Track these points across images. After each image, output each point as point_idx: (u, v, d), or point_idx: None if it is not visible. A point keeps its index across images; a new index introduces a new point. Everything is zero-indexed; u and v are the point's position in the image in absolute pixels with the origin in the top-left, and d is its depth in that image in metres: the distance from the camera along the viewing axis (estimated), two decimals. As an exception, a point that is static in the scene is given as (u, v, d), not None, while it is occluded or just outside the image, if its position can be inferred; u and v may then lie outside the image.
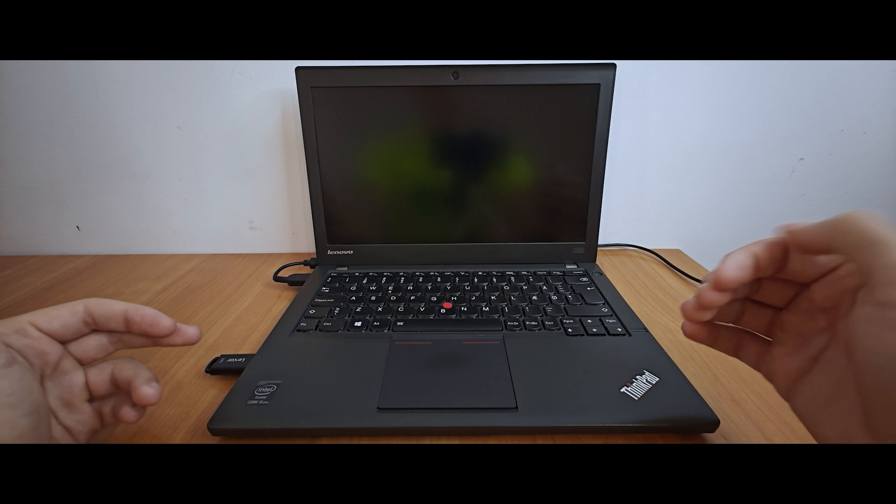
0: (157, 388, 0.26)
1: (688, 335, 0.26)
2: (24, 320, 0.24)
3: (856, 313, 0.20)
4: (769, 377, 0.25)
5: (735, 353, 0.27)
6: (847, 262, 0.22)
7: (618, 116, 0.55)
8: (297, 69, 0.47)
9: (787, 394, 0.24)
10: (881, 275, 0.18)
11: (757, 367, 0.26)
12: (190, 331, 0.28)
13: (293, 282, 0.51)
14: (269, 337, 0.38)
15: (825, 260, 0.22)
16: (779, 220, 0.66)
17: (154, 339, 0.27)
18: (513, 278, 0.49)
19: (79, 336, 0.26)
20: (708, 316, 0.24)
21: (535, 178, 0.50)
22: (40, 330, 0.25)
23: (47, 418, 0.24)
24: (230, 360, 0.36)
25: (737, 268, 0.22)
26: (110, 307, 0.26)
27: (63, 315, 0.25)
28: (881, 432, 0.18)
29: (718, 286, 0.23)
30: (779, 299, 0.25)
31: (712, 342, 0.27)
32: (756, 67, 0.55)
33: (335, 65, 0.51)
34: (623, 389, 0.31)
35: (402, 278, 0.49)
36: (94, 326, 0.27)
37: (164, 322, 0.27)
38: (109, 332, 0.27)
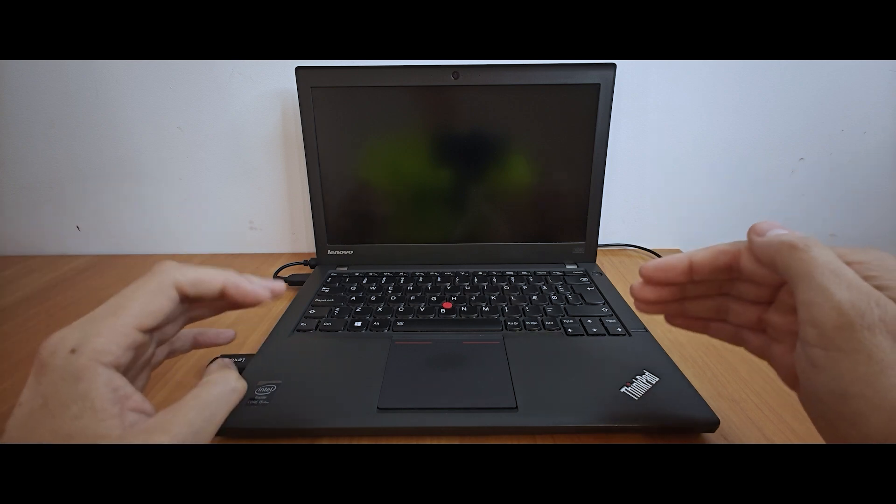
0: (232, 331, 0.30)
1: (639, 309, 0.28)
2: (129, 325, 0.21)
3: (796, 343, 0.20)
4: (773, 367, 0.25)
5: (736, 343, 0.27)
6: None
7: (618, 116, 0.55)
8: (297, 69, 0.47)
9: (791, 385, 0.24)
10: (801, 311, 0.19)
11: (761, 357, 0.26)
12: (275, 286, 0.28)
13: (293, 282, 0.51)
14: (269, 337, 0.38)
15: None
16: (778, 220, 0.66)
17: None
18: (513, 278, 0.49)
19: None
20: (648, 298, 0.27)
21: (534, 178, 0.50)
22: (144, 331, 0.22)
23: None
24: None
25: (658, 268, 0.26)
26: (209, 285, 0.24)
27: (164, 307, 0.22)
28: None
29: (642, 277, 0.26)
30: (759, 297, 0.25)
31: (703, 331, 0.27)
32: (756, 67, 0.55)
33: (335, 65, 0.51)
34: (623, 389, 0.31)
35: (402, 278, 0.49)
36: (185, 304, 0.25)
37: (261, 293, 0.26)
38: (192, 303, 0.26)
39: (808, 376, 0.19)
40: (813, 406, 0.19)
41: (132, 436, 0.19)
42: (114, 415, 0.19)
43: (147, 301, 0.22)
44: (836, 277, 0.18)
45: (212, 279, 0.24)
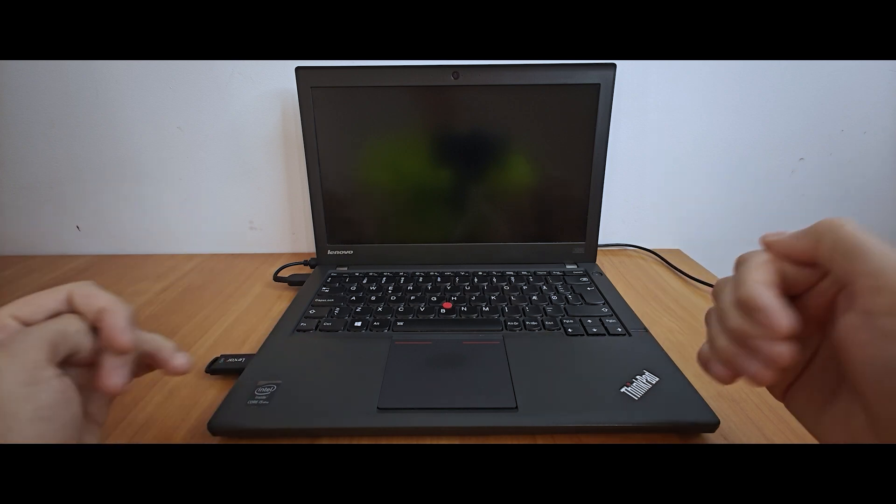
0: (186, 355, 0.25)
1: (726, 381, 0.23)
2: (73, 319, 0.22)
3: (843, 322, 0.19)
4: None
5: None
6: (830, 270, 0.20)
7: (618, 116, 0.55)
8: (297, 69, 0.47)
9: (781, 397, 0.24)
10: (863, 282, 0.18)
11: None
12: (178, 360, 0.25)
13: (293, 282, 0.51)
14: (269, 337, 0.38)
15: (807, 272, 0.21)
16: (779, 220, 0.66)
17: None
18: (513, 278, 0.49)
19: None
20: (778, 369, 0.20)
21: (535, 178, 0.50)
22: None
23: (79, 425, 0.22)
24: (230, 360, 0.36)
25: (782, 313, 0.19)
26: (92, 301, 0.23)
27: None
28: (892, 438, 0.18)
29: (779, 335, 0.19)
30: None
31: None
32: (756, 67, 0.55)
33: (335, 65, 0.51)
34: (623, 389, 0.31)
35: (402, 278, 0.49)
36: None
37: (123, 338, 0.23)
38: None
39: (876, 350, 0.18)
40: (881, 383, 0.18)
41: None
42: None
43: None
44: (886, 246, 0.18)
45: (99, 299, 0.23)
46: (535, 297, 0.44)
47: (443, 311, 0.42)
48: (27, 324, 0.23)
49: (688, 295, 0.50)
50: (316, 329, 0.40)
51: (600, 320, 0.40)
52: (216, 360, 0.36)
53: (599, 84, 0.47)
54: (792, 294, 0.21)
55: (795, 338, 0.20)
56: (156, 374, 0.26)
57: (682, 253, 0.62)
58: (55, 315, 0.23)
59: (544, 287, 0.47)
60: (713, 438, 0.29)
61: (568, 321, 0.40)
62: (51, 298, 0.23)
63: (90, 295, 0.23)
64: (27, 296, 0.23)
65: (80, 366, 0.23)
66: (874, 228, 0.19)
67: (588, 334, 0.38)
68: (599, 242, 0.53)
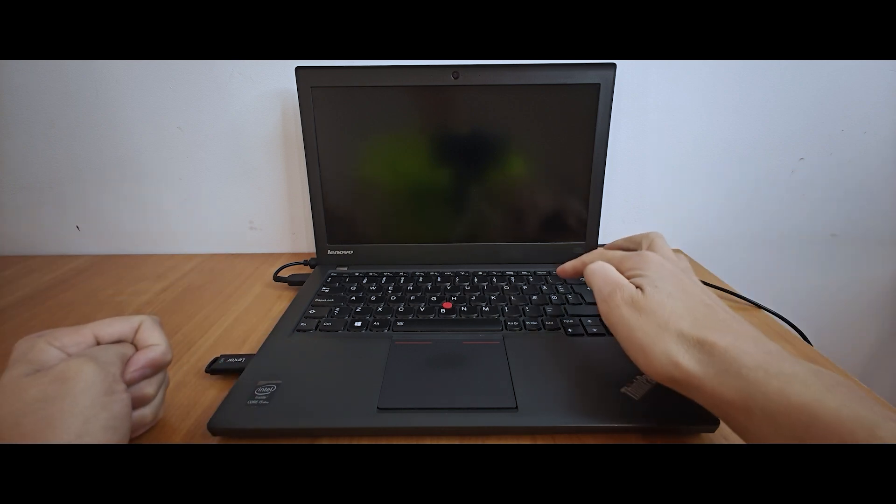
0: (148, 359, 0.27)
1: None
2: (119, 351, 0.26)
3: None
4: None
5: None
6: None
7: (618, 116, 0.55)
8: (297, 69, 0.47)
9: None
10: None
11: None
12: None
13: (293, 282, 0.51)
14: (269, 337, 0.38)
15: None
16: (779, 220, 0.66)
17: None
18: (513, 278, 0.49)
19: None
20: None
21: (534, 177, 0.50)
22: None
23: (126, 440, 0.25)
24: (230, 360, 0.36)
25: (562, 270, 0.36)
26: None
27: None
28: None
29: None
30: None
31: None
32: (756, 67, 0.55)
33: (335, 65, 0.50)
34: (623, 389, 0.31)
35: (402, 278, 0.49)
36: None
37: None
38: None
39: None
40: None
41: None
42: None
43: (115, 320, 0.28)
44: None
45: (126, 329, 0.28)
46: (535, 298, 0.44)
47: (443, 311, 0.42)
48: (99, 342, 0.26)
49: (688, 295, 0.49)
50: (316, 329, 0.40)
51: (600, 320, 0.40)
52: (216, 360, 0.36)
53: (599, 84, 0.47)
54: None
55: None
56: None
57: (682, 253, 0.62)
58: (120, 339, 0.27)
59: (544, 287, 0.47)
60: (713, 438, 0.29)
61: (568, 321, 0.40)
62: (127, 325, 0.27)
63: (152, 329, 0.28)
64: (108, 318, 0.27)
65: None
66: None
67: (588, 334, 0.38)
68: (599, 242, 0.53)
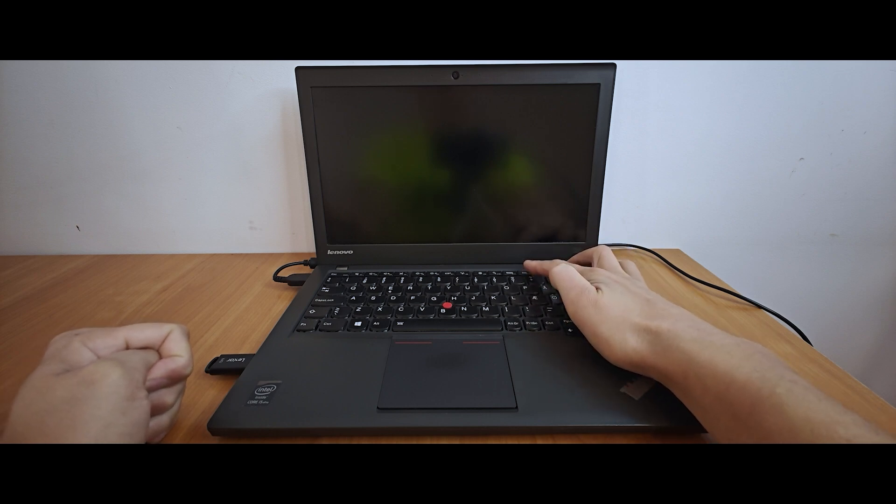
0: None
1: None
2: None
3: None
4: None
5: None
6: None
7: (618, 116, 0.55)
8: (297, 69, 0.47)
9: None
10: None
11: None
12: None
13: (293, 282, 0.51)
14: (269, 337, 0.38)
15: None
16: (779, 220, 0.66)
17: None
18: (513, 278, 0.49)
19: None
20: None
21: (535, 177, 0.50)
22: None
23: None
24: (230, 360, 0.36)
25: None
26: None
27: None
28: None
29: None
30: None
31: None
32: (757, 67, 0.55)
33: (335, 65, 0.50)
34: (623, 389, 0.31)
35: (402, 278, 0.49)
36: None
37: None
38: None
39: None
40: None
41: None
42: None
43: (143, 327, 0.27)
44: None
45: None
46: (535, 298, 0.44)
47: (443, 311, 0.42)
48: (128, 346, 0.26)
49: (688, 295, 0.50)
50: (316, 329, 0.40)
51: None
52: (216, 359, 0.36)
53: (599, 84, 0.47)
54: None
55: None
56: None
57: (682, 253, 0.62)
58: (148, 345, 0.27)
59: (544, 287, 0.47)
60: (713, 438, 0.29)
61: (568, 321, 0.40)
62: (157, 332, 0.27)
63: (179, 340, 0.28)
64: (139, 323, 0.27)
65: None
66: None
67: (588, 334, 0.38)
68: (599, 242, 0.53)
